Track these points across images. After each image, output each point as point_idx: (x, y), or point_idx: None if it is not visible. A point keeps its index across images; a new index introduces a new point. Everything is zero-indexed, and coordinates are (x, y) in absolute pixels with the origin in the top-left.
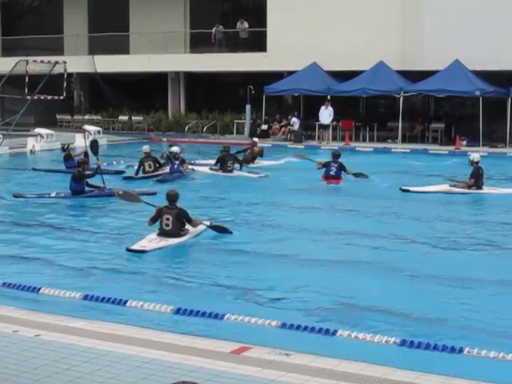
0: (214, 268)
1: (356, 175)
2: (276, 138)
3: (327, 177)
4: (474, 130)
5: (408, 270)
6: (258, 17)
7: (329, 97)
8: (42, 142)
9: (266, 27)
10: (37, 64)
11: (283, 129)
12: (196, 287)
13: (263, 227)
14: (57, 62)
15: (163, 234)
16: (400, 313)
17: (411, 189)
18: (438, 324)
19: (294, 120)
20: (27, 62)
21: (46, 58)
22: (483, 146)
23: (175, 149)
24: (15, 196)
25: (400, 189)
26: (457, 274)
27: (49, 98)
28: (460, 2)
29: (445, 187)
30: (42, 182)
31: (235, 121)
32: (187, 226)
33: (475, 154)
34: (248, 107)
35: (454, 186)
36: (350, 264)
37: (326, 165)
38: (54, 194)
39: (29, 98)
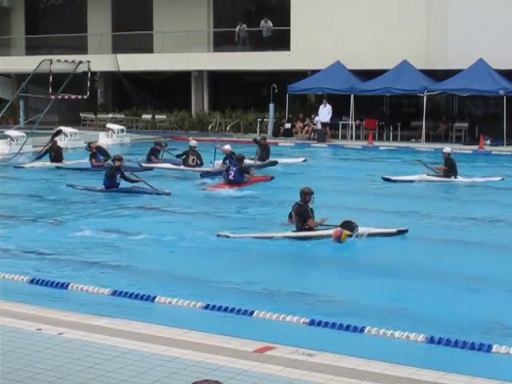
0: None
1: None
2: (299, 136)
3: (226, 182)
4: (497, 129)
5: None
6: (282, 15)
7: (352, 95)
8: (65, 140)
9: (289, 26)
10: (61, 63)
11: (306, 128)
12: (220, 284)
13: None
14: (81, 62)
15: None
16: (433, 313)
17: (392, 178)
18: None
19: (318, 119)
20: (51, 61)
21: (69, 57)
22: (507, 145)
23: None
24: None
25: (382, 177)
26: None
27: (72, 97)
28: (484, 1)
29: (423, 176)
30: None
31: (258, 120)
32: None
33: (447, 148)
34: (271, 106)
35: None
36: (378, 264)
37: (227, 169)
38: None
39: (52, 97)
